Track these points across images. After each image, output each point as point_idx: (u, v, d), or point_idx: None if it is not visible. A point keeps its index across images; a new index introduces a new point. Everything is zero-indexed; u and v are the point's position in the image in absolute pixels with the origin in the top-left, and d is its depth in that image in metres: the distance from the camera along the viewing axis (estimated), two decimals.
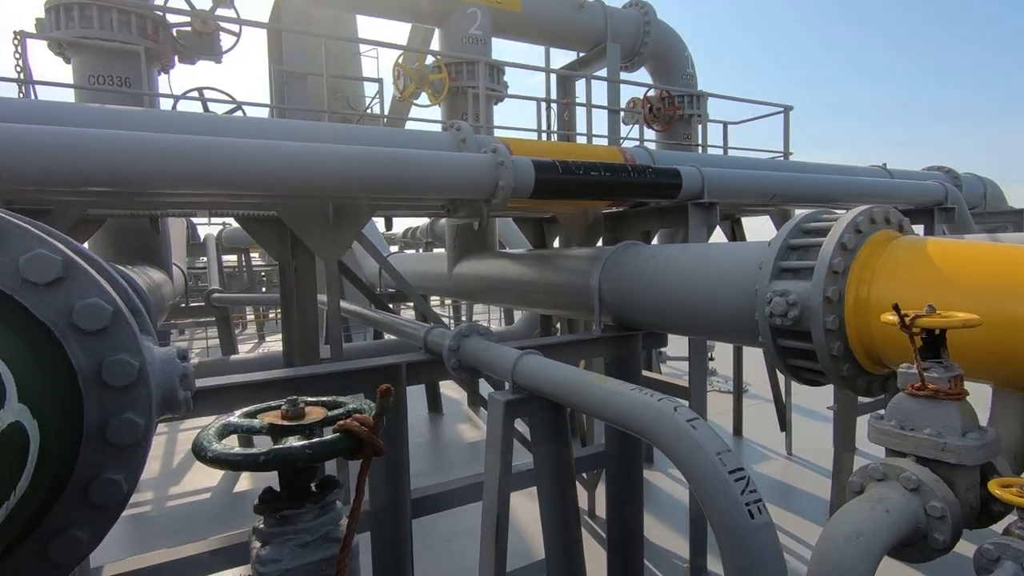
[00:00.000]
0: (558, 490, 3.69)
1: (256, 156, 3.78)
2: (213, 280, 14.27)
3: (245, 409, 1.31)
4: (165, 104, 6.40)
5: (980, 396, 2.31)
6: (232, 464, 1.05)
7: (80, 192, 3.92)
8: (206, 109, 6.53)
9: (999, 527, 1.94)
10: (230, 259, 23.92)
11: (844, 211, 3.29)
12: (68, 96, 5.88)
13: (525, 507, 6.99)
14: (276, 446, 1.10)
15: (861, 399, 6.52)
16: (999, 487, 1.81)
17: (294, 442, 1.11)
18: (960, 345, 2.33)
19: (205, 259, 16.92)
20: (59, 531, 1.18)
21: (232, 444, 1.12)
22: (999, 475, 2.02)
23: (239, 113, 6.56)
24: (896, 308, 1.99)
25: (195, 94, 6.52)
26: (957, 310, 2.11)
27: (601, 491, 6.35)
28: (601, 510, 7.05)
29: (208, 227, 19.21)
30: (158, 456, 9.95)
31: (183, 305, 11.47)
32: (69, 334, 1.17)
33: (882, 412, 2.14)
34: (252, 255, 23.47)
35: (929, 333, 2.04)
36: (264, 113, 7.10)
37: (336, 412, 1.25)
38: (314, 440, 1.11)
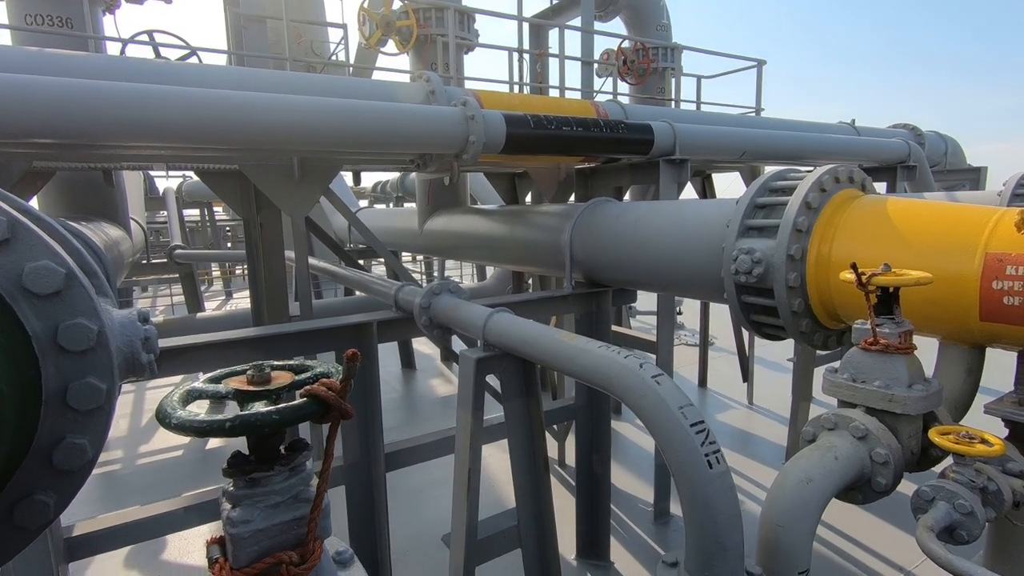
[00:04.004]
0: (528, 442, 3.80)
1: (212, 106, 3.59)
2: (175, 235, 13.78)
3: (209, 375, 1.29)
4: (112, 49, 6.01)
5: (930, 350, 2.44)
6: (197, 431, 1.05)
7: (23, 144, 3.69)
8: (158, 55, 6.16)
9: (938, 471, 2.09)
10: (192, 213, 23.08)
11: (811, 169, 3.35)
12: (2, 38, 5.46)
13: (497, 457, 7.19)
14: (242, 412, 1.10)
15: (819, 351, 6.82)
16: (938, 435, 1.94)
17: (261, 407, 1.11)
18: (911, 300, 2.43)
19: (165, 213, 16.27)
20: (24, 496, 1.17)
21: (198, 409, 1.11)
22: (940, 423, 2.15)
23: (194, 60, 6.20)
24: (854, 267, 2.06)
25: (145, 38, 6.13)
26: (911, 268, 2.19)
27: (571, 442, 6.57)
28: (571, 459, 7.30)
29: (167, 180, 18.44)
30: (126, 415, 9.83)
31: (144, 262, 11.12)
32: (20, 298, 1.13)
33: (836, 365, 2.25)
34: (216, 209, 22.64)
35: (883, 290, 2.13)
36: (221, 60, 6.73)
37: (303, 376, 1.25)
38: (281, 405, 1.12)
